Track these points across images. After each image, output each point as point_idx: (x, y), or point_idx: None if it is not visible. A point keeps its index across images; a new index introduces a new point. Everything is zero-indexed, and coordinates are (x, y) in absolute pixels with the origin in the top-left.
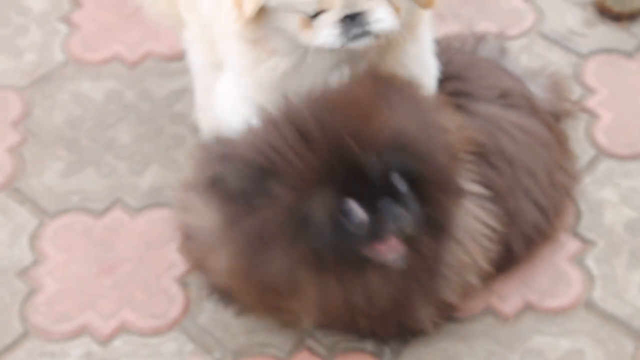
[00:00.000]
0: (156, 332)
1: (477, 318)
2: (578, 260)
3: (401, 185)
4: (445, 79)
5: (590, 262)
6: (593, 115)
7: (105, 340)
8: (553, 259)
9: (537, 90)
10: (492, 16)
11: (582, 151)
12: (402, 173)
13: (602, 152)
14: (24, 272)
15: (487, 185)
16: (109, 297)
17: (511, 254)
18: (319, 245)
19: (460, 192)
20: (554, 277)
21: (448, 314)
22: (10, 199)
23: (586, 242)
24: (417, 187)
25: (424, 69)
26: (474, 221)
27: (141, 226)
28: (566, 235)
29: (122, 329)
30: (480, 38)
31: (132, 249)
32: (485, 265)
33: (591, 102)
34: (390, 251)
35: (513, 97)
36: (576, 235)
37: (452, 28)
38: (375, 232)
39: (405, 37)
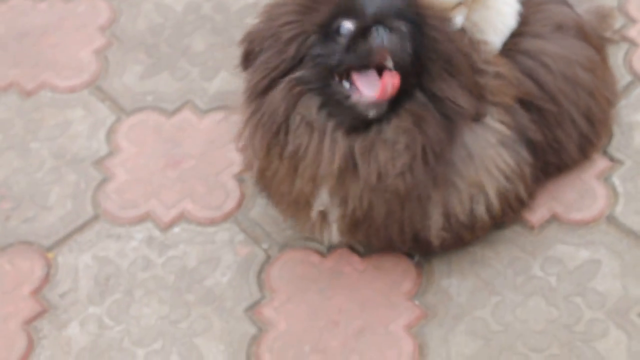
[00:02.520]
0: (211, 222)
1: (506, 225)
2: (605, 177)
3: (400, 24)
4: None
5: (616, 180)
6: (633, 44)
7: (166, 227)
8: (582, 175)
9: (583, 14)
10: None
11: (619, 76)
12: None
13: (638, 78)
14: (99, 162)
15: (531, 124)
16: (172, 189)
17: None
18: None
19: (474, 90)
20: (581, 191)
21: (456, 240)
22: (92, 96)
23: (614, 161)
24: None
25: (490, 25)
26: (493, 153)
27: (206, 126)
28: (597, 154)
29: (182, 218)
30: None
31: (196, 147)
32: (495, 201)
33: (632, 32)
34: (368, 87)
35: (566, 28)
36: (605, 154)
37: None
38: (360, 50)
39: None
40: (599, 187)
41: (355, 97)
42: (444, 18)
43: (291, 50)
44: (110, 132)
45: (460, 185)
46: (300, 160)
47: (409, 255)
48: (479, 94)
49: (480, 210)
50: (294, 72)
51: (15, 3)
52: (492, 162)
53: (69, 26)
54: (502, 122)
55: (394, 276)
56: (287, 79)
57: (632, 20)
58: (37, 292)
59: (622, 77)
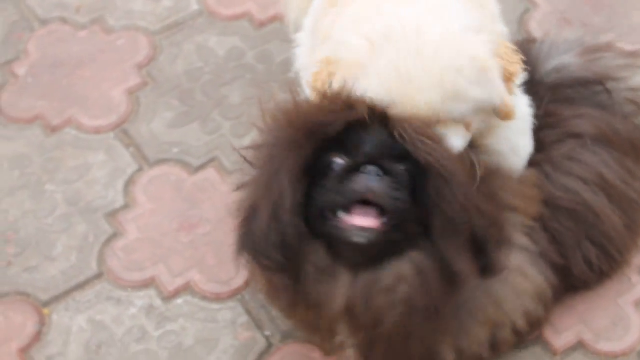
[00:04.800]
0: (217, 298)
1: (527, 345)
2: None
3: (398, 167)
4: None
5: None
6: None
7: (169, 297)
8: (619, 299)
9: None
10: (619, 29)
11: None
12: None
13: None
14: (112, 215)
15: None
16: (182, 255)
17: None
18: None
19: (493, 239)
20: (614, 318)
21: None
22: (117, 140)
23: None
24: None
25: (511, 150)
26: (518, 276)
27: (229, 189)
28: (639, 276)
29: (187, 289)
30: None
31: (215, 211)
32: (522, 324)
33: None
34: (358, 219)
35: (602, 138)
36: None
37: (575, 36)
38: (346, 190)
39: (485, 134)
40: (635, 316)
41: (344, 223)
42: (453, 166)
43: (286, 200)
44: (130, 183)
45: (474, 328)
46: (321, 306)
47: None
48: (492, 249)
49: (506, 334)
50: (294, 220)
51: (55, 28)
52: (514, 293)
53: (106, 60)
54: (527, 238)
55: None
56: (289, 232)
57: None
58: (25, 350)
59: None
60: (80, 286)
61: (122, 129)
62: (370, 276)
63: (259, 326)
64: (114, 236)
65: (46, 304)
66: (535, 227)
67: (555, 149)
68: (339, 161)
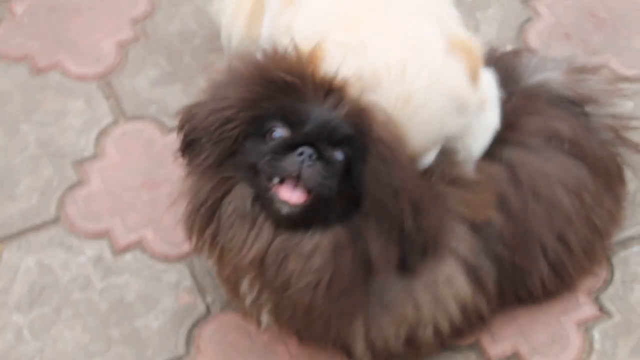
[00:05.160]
0: (165, 259)
1: (462, 349)
2: (586, 327)
3: (335, 153)
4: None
5: (597, 334)
6: None
7: (119, 251)
8: (562, 317)
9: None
10: (618, 51)
11: None
12: (351, 152)
13: None
14: (79, 163)
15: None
16: (140, 211)
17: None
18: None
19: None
20: (554, 335)
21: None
22: (99, 89)
23: (603, 312)
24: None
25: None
26: (445, 284)
27: None
28: (587, 297)
29: (138, 245)
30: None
31: (180, 173)
32: (444, 325)
33: None
34: (285, 192)
35: (560, 140)
36: (596, 300)
37: (573, 51)
38: (278, 166)
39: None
40: (575, 336)
41: (272, 191)
42: (395, 152)
43: (225, 143)
44: (102, 134)
45: (384, 322)
46: (229, 250)
47: (349, 354)
48: (414, 252)
49: (426, 335)
50: (227, 162)
51: None
52: (437, 301)
53: (103, 10)
54: (466, 245)
55: None
56: (219, 169)
57: None
58: None
59: None
60: (36, 228)
61: (105, 80)
62: (290, 238)
63: (202, 292)
64: (78, 184)
65: (0, 240)
66: (482, 234)
67: (530, 135)
68: (280, 132)
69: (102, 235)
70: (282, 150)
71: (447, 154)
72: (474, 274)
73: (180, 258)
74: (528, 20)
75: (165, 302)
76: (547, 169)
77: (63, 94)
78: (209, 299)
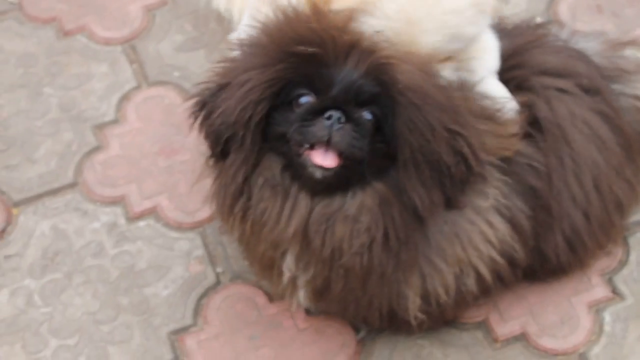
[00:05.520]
0: (178, 227)
1: (469, 327)
2: (597, 309)
3: (363, 113)
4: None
5: (608, 316)
6: None
7: (133, 218)
8: (573, 297)
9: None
10: None
11: None
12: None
13: None
14: (100, 127)
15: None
16: (156, 178)
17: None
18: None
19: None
20: (564, 316)
21: (439, 318)
22: (124, 54)
23: (616, 293)
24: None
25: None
26: (482, 227)
27: None
28: (599, 278)
29: (152, 213)
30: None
31: (198, 141)
32: (487, 274)
33: None
34: (317, 156)
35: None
36: (610, 282)
37: (604, 26)
38: (308, 132)
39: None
40: (585, 318)
41: (304, 156)
42: (425, 94)
43: (258, 125)
44: (124, 99)
45: (441, 266)
46: (263, 224)
47: (356, 328)
48: (456, 186)
49: (470, 283)
50: (254, 134)
51: None
52: (481, 236)
53: None
54: (497, 187)
55: (331, 345)
56: (247, 142)
57: None
58: None
59: None
60: (53, 192)
61: (130, 44)
62: (331, 203)
63: (213, 262)
64: (97, 149)
65: (17, 204)
66: (512, 168)
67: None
68: (306, 98)
69: (118, 201)
70: (310, 116)
71: (466, 88)
72: (506, 217)
73: (194, 227)
74: None
75: (176, 271)
76: (579, 113)
77: (88, 57)
78: (219, 269)
